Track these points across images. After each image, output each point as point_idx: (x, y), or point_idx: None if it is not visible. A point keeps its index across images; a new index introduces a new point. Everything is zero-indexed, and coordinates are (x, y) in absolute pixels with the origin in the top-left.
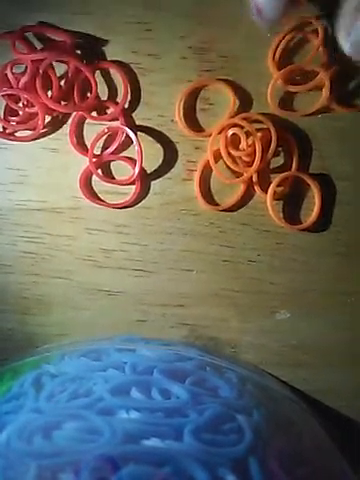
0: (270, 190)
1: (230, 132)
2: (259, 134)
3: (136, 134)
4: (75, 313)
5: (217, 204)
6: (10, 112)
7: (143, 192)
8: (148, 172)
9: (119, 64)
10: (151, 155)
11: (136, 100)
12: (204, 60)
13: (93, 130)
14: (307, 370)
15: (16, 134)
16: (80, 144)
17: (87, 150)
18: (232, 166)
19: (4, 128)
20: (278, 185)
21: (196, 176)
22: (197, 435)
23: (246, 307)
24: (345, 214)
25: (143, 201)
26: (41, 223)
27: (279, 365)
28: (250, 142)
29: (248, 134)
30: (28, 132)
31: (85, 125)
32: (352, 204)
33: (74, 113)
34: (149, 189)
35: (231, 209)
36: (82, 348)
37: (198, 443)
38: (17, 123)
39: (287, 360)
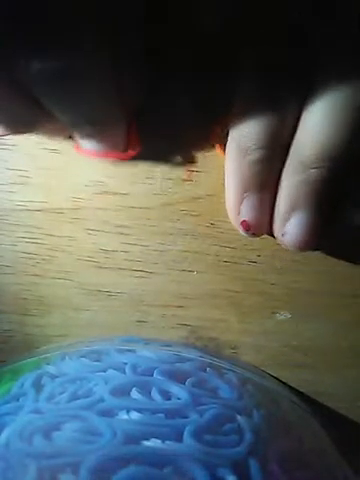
0: None
1: None
2: None
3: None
4: (75, 314)
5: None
6: None
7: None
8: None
9: None
10: None
11: None
12: None
13: None
14: (308, 371)
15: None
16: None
17: None
18: None
19: None
20: None
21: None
22: (197, 436)
23: (247, 308)
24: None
25: (143, 202)
26: (41, 224)
27: (279, 366)
28: None
29: None
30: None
31: None
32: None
33: None
34: (149, 189)
35: None
36: (82, 349)
37: (198, 444)
38: None
39: (288, 361)
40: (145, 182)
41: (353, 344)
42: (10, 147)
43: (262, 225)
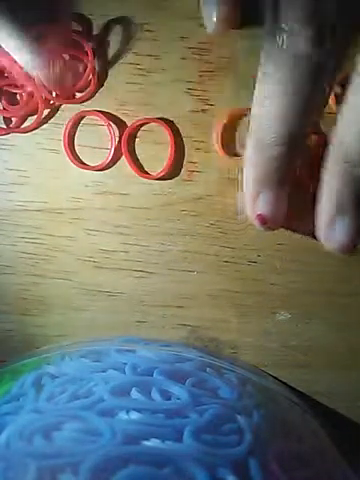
0: None
1: None
2: None
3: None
4: (75, 314)
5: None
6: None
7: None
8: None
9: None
10: (151, 156)
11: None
12: (204, 61)
13: None
14: (307, 371)
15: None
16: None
17: None
18: None
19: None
20: None
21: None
22: (197, 436)
23: (246, 308)
24: None
25: (143, 202)
26: (41, 224)
27: (279, 366)
28: None
29: None
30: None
31: None
32: None
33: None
34: (149, 190)
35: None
36: (82, 349)
37: (198, 444)
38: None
39: (287, 361)
40: (145, 182)
41: (353, 344)
42: (10, 147)
43: (278, 219)
